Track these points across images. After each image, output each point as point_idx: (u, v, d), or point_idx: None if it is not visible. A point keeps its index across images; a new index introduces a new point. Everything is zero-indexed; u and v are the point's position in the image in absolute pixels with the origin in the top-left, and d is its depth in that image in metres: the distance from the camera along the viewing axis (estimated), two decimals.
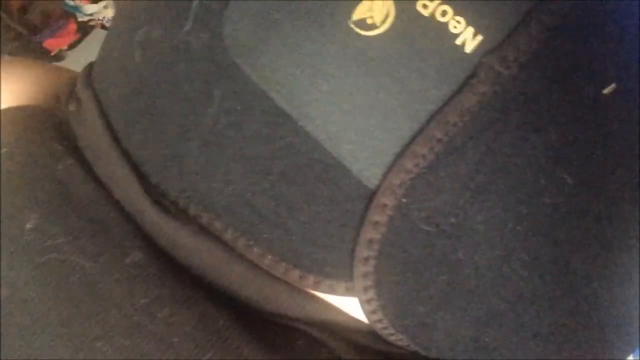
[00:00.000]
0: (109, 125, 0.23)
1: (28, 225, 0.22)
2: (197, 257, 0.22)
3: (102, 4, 1.29)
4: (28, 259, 0.21)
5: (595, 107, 0.19)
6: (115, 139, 0.23)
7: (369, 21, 0.19)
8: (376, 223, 0.19)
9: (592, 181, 0.20)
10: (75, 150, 0.24)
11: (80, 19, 1.41)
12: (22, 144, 0.24)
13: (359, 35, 0.19)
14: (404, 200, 0.19)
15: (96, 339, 0.20)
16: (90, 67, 0.27)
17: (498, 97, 0.19)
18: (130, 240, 0.22)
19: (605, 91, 0.20)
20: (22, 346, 0.20)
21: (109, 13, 1.38)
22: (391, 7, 0.19)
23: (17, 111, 0.26)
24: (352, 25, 0.19)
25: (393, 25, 0.19)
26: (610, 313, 0.21)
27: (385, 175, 0.19)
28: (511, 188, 0.19)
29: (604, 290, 0.21)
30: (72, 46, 1.52)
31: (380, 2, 0.19)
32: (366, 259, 0.20)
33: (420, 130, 0.19)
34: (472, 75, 0.18)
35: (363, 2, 0.19)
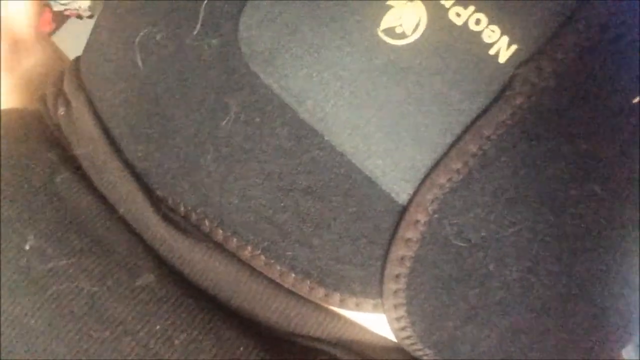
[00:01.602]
0: (106, 133, 0.22)
1: (26, 246, 0.20)
2: (212, 276, 0.21)
3: None
4: (29, 284, 0.20)
5: (623, 117, 0.19)
6: (115, 149, 0.22)
7: (398, 30, 0.18)
8: (408, 240, 0.19)
9: (619, 191, 0.20)
10: (71, 160, 0.23)
11: (55, 9, 1.37)
12: (12, 154, 0.22)
13: (388, 44, 0.18)
14: (436, 216, 0.18)
15: None
16: (76, 64, 0.25)
17: (533, 109, 0.18)
18: (139, 260, 0.20)
19: (635, 101, 0.19)
20: None
21: (85, 3, 1.34)
22: (422, 16, 0.18)
23: (3, 116, 0.25)
24: (381, 34, 0.18)
25: (424, 35, 0.18)
26: (619, 309, 0.21)
27: (416, 191, 0.18)
28: (542, 200, 0.19)
29: (621, 293, 0.21)
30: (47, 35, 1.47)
31: (411, 10, 0.18)
32: (397, 277, 0.19)
33: (454, 144, 0.18)
34: (507, 86, 0.18)
35: (392, 9, 0.18)
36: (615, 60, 0.19)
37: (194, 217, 0.21)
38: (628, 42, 0.19)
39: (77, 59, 0.26)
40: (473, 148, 0.18)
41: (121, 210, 0.21)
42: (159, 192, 0.21)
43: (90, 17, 1.35)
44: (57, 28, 1.53)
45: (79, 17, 1.50)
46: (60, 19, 1.51)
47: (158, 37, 0.20)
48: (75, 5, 1.35)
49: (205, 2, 0.19)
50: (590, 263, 0.20)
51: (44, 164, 0.22)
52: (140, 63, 0.21)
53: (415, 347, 0.21)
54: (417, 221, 0.19)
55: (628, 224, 0.20)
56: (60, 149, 0.23)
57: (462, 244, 0.19)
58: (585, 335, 0.21)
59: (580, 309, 0.21)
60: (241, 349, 0.19)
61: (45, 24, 1.51)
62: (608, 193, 0.19)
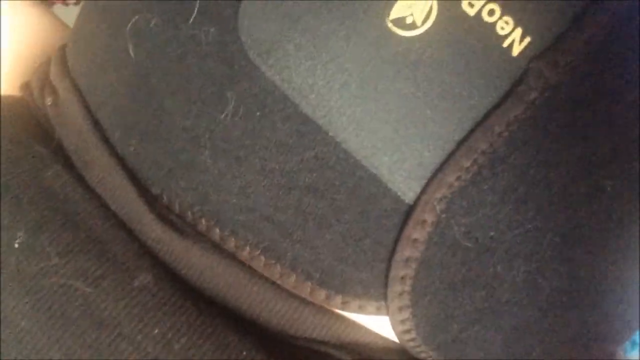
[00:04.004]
0: (97, 126, 0.21)
1: (16, 244, 0.19)
2: (209, 278, 0.20)
3: None
4: (20, 283, 0.19)
5: (636, 114, 0.19)
6: (106, 143, 0.21)
7: (408, 20, 0.17)
8: (414, 240, 0.18)
9: (630, 187, 0.19)
10: (61, 153, 0.22)
11: None
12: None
13: (397, 35, 0.17)
14: (443, 215, 0.18)
15: None
16: (63, 52, 0.24)
17: (546, 105, 0.17)
18: (135, 259, 0.19)
19: None
20: None
21: None
22: (434, 5, 0.17)
23: None
24: (390, 24, 0.17)
25: (435, 25, 0.17)
26: (619, 304, 0.21)
27: (424, 189, 0.18)
28: (551, 198, 0.18)
29: (625, 291, 0.21)
30: None
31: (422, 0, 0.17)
32: (402, 278, 0.18)
33: (463, 141, 0.17)
34: (520, 80, 0.17)
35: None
36: (631, 54, 0.18)
37: (190, 215, 0.20)
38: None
39: (63, 46, 0.24)
40: (483, 145, 0.17)
41: (113, 207, 0.20)
42: (152, 189, 0.20)
43: (76, 3, 1.33)
44: None
45: (65, 3, 1.48)
46: (46, 4, 1.48)
47: (152, 23, 0.19)
48: None
49: None
50: (597, 261, 0.19)
51: (33, 157, 0.21)
52: (132, 51, 0.20)
53: (419, 349, 0.20)
54: (424, 221, 0.18)
55: (636, 222, 0.20)
56: (49, 140, 0.22)
57: (469, 245, 0.18)
58: (589, 334, 0.21)
59: (586, 308, 0.20)
60: (244, 353, 0.18)
61: None
62: (619, 190, 0.19)
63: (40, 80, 0.24)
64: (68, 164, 0.21)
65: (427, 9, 0.17)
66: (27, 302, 0.18)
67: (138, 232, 0.20)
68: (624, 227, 0.19)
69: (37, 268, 0.19)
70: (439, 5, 0.17)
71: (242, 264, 0.20)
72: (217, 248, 0.20)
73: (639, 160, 0.19)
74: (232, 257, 0.20)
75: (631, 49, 0.18)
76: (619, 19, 0.18)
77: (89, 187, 0.21)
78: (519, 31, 0.17)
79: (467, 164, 0.17)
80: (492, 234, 0.18)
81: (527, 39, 0.17)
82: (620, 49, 0.18)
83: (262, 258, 0.19)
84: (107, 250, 0.19)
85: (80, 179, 0.21)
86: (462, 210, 0.18)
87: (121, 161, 0.20)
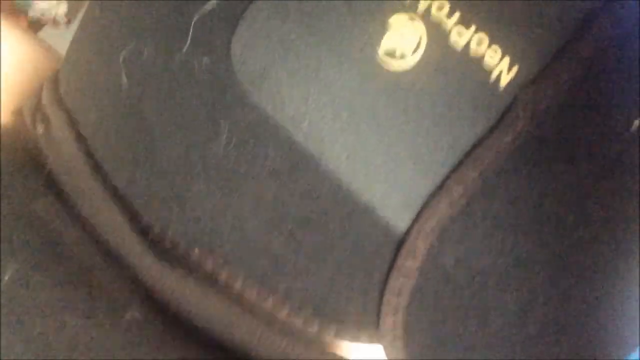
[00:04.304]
0: (88, 154, 0.21)
1: (6, 277, 0.19)
2: (201, 310, 0.19)
3: (54, 0, 1.23)
4: (10, 318, 0.18)
5: (625, 140, 0.19)
6: (98, 172, 0.21)
7: (398, 51, 0.17)
8: (407, 270, 0.18)
9: (620, 213, 0.19)
10: (52, 182, 0.21)
11: (30, 14, 1.34)
12: None
13: (387, 66, 0.17)
14: (435, 244, 0.18)
15: None
16: (55, 78, 0.24)
17: (534, 134, 0.18)
18: (126, 293, 0.19)
19: (634, 127, 0.19)
20: None
21: (62, 9, 1.32)
22: (423, 36, 0.17)
23: None
24: (380, 55, 0.17)
25: (424, 56, 0.17)
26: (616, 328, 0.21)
27: (416, 219, 0.18)
28: (542, 226, 0.18)
29: (619, 310, 0.21)
30: None
31: (411, 30, 0.17)
32: (395, 308, 0.18)
33: (454, 170, 0.17)
34: (508, 110, 0.17)
35: (392, 28, 0.17)
36: (617, 81, 0.19)
37: (182, 246, 0.20)
38: (630, 63, 0.19)
39: (56, 72, 0.25)
40: (473, 174, 0.17)
41: (105, 238, 0.20)
42: (144, 219, 0.20)
43: (67, 23, 1.34)
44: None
45: (56, 23, 1.48)
46: (36, 26, 1.49)
47: (145, 53, 0.19)
48: (51, 12, 1.33)
49: (197, 17, 0.19)
50: (589, 288, 0.20)
51: (23, 188, 0.21)
52: (125, 80, 0.20)
53: None
54: (416, 250, 0.18)
55: (630, 246, 0.20)
56: (40, 169, 0.22)
57: (461, 274, 0.18)
58: (585, 349, 0.21)
59: (579, 335, 0.20)
60: None
61: None
62: (609, 216, 0.19)
63: (32, 107, 0.24)
64: (59, 193, 0.21)
65: (417, 39, 0.17)
66: (17, 336, 0.18)
67: (129, 263, 0.20)
68: (617, 252, 0.20)
69: (27, 302, 0.19)
70: (428, 36, 0.17)
71: (234, 295, 0.19)
72: (210, 279, 0.19)
73: (629, 186, 0.19)
74: (224, 288, 0.19)
75: (619, 74, 0.19)
76: (606, 46, 0.18)
77: (80, 217, 0.21)
78: (506, 60, 0.17)
79: (458, 193, 0.17)
80: (483, 262, 0.18)
81: (515, 68, 0.17)
82: (608, 76, 0.18)
83: (255, 289, 0.19)
84: (98, 283, 0.19)
85: (71, 209, 0.21)
86: (453, 239, 0.18)
87: (113, 190, 0.20)
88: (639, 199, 0.19)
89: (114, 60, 0.20)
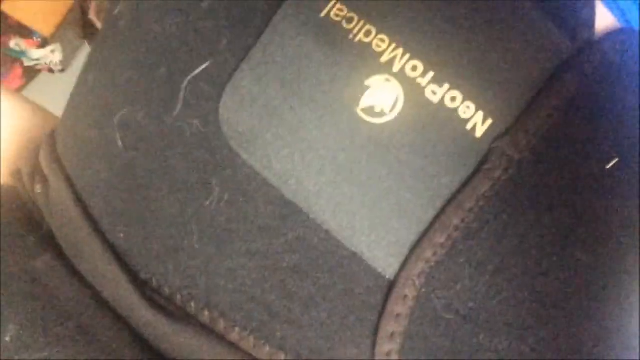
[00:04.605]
0: (87, 213, 0.22)
1: (7, 338, 0.20)
2: None
3: (49, 48, 1.25)
4: None
5: (600, 183, 0.20)
6: (96, 229, 0.21)
7: (377, 109, 0.18)
8: (397, 315, 0.19)
9: (601, 254, 0.20)
10: (50, 241, 0.22)
11: (26, 64, 1.36)
12: None
13: (368, 122, 0.18)
14: (423, 290, 0.19)
15: None
16: (52, 137, 0.25)
17: (511, 181, 0.18)
18: (125, 347, 0.20)
19: (609, 166, 0.20)
20: None
21: (57, 57, 1.34)
22: (400, 94, 0.18)
23: None
24: (360, 113, 0.18)
25: (402, 113, 0.18)
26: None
27: (403, 265, 0.19)
28: (526, 269, 0.19)
29: (609, 344, 0.21)
30: (17, 91, 1.46)
31: (389, 89, 0.18)
32: (388, 353, 0.19)
33: (436, 218, 0.18)
34: (485, 160, 0.18)
35: (370, 89, 0.18)
36: (588, 127, 0.19)
37: (179, 298, 0.20)
38: (601, 110, 0.19)
39: (53, 132, 0.25)
40: (455, 221, 0.18)
41: (104, 294, 0.21)
42: (142, 274, 0.21)
43: (62, 71, 1.35)
44: (27, 83, 1.52)
45: (51, 71, 1.50)
46: (31, 74, 1.50)
47: (138, 116, 0.20)
48: (46, 60, 1.35)
49: (186, 81, 0.20)
50: (578, 325, 0.20)
51: (22, 247, 0.22)
52: (120, 143, 0.21)
53: None
54: (406, 296, 0.18)
55: (615, 286, 0.20)
56: (38, 229, 0.22)
57: (451, 317, 0.19)
58: None
59: None
60: None
61: (16, 79, 1.50)
62: (591, 256, 0.20)
63: (30, 166, 0.25)
64: (58, 251, 0.22)
65: (394, 97, 0.18)
66: None
67: (129, 318, 0.21)
68: (604, 287, 0.20)
69: None
70: (404, 94, 0.18)
71: (231, 345, 0.20)
72: (207, 330, 0.20)
73: (607, 222, 0.20)
74: (221, 338, 0.20)
75: (591, 120, 0.19)
76: (580, 92, 0.19)
77: (78, 274, 0.21)
78: (480, 114, 0.18)
79: (442, 239, 0.18)
80: (471, 304, 0.19)
81: (489, 121, 0.18)
82: (583, 124, 0.19)
83: (252, 339, 0.20)
84: (97, 339, 0.20)
85: (70, 267, 0.21)
86: (440, 284, 0.19)
87: (111, 247, 0.21)
88: (616, 239, 0.20)
89: (109, 122, 0.21)
